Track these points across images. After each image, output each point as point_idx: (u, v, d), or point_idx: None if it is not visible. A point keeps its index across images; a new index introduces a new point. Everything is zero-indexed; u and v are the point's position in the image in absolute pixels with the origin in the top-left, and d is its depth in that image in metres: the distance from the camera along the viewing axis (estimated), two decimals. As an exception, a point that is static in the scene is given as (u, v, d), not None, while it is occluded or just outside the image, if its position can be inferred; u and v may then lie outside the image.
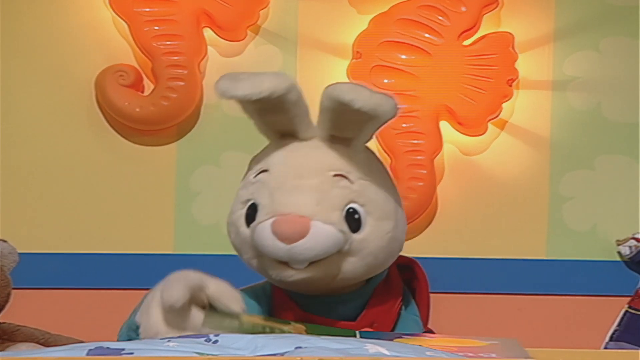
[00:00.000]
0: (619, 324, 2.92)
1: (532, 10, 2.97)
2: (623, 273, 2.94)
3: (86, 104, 2.98)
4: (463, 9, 2.90)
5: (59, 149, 2.98)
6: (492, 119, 2.93)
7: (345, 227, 1.63)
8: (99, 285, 2.97)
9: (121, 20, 2.93)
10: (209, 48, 2.97)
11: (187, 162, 3.00)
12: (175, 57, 2.90)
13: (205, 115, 2.99)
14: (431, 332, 1.84)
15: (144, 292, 2.99)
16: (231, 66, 2.98)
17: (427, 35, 2.89)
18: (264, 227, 1.61)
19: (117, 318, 2.98)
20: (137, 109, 2.91)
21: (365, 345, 1.37)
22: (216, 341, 1.42)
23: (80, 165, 2.98)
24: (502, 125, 2.97)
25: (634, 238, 2.94)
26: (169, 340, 1.43)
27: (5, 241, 2.34)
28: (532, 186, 2.98)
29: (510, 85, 2.92)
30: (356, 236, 1.64)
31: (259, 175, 1.68)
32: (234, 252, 3.00)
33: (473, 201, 2.98)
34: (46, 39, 2.98)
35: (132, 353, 1.34)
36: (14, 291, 2.37)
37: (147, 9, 2.90)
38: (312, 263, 1.61)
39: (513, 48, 2.92)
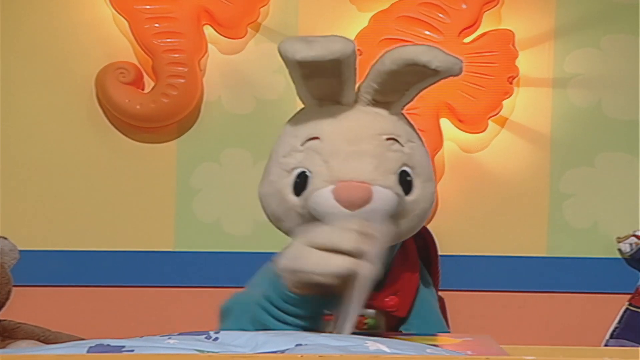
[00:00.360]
0: (619, 322, 2.92)
1: (533, 8, 2.97)
2: (623, 270, 2.94)
3: (86, 101, 2.98)
4: (463, 6, 2.89)
5: (59, 146, 2.98)
6: (493, 116, 2.93)
7: (400, 190, 1.65)
8: (100, 282, 2.98)
9: (121, 18, 2.93)
10: (210, 45, 2.97)
11: (187, 160, 3.00)
12: (176, 55, 2.90)
13: (206, 113, 2.99)
14: (442, 300, 1.89)
15: (144, 289, 3.02)
16: (231, 64, 2.99)
17: (427, 32, 2.89)
18: (323, 194, 1.61)
19: (118, 315, 3.00)
20: (138, 106, 2.92)
21: (366, 343, 1.37)
22: (216, 338, 1.42)
23: (80, 162, 2.99)
24: (502, 123, 2.97)
25: (634, 235, 2.94)
26: (169, 338, 1.43)
27: (5, 238, 2.34)
28: (533, 183, 2.98)
29: (511, 83, 2.92)
30: (408, 198, 1.66)
31: (308, 143, 1.67)
32: (234, 249, 3.02)
33: (473, 198, 2.98)
34: (47, 36, 2.98)
35: (132, 350, 1.34)
36: (14, 288, 2.38)
37: (148, 7, 2.90)
38: None
39: (513, 45, 2.92)
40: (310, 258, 1.55)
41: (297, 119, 1.74)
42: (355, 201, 1.59)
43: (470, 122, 2.93)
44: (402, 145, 1.67)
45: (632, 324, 2.90)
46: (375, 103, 1.69)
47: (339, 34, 2.98)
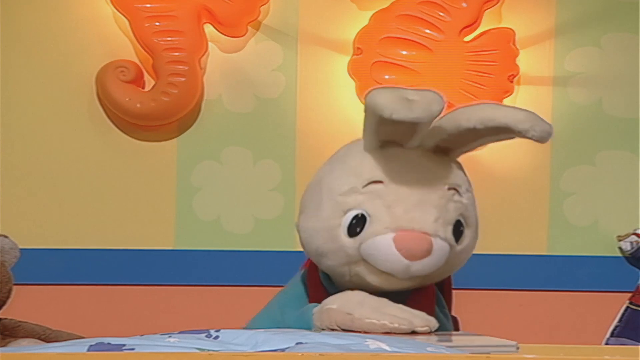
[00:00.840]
0: (619, 320, 2.92)
1: (533, 6, 2.97)
2: (624, 269, 2.94)
3: (87, 99, 2.98)
4: (464, 4, 2.89)
5: (59, 144, 2.98)
6: (491, 116, 2.93)
7: (453, 240, 1.66)
8: (100, 281, 2.97)
9: (122, 16, 2.93)
10: (210, 44, 2.96)
11: (187, 158, 2.99)
12: (176, 53, 2.90)
13: (206, 111, 2.99)
14: (455, 319, 1.91)
15: (145, 287, 3.02)
16: (232, 62, 2.98)
17: (427, 31, 2.89)
18: (385, 241, 1.61)
19: (118, 314, 3.00)
20: (138, 105, 2.91)
21: (366, 341, 1.37)
22: (217, 337, 1.42)
23: (80, 160, 2.98)
24: (503, 121, 2.97)
25: (635, 234, 2.94)
26: (169, 336, 1.43)
27: (6, 237, 2.34)
28: (533, 182, 2.98)
29: (511, 81, 2.92)
30: (457, 248, 1.67)
31: (370, 186, 1.65)
32: (234, 248, 3.01)
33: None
34: (47, 34, 2.98)
35: (133, 349, 1.34)
36: (15, 287, 2.37)
37: (148, 5, 2.90)
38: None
39: (514, 44, 2.92)
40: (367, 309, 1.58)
41: (357, 156, 1.69)
42: (416, 253, 1.59)
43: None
44: (461, 195, 1.67)
45: (633, 322, 2.90)
46: (438, 149, 1.68)
47: (340, 33, 3.00)
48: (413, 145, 1.67)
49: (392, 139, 1.66)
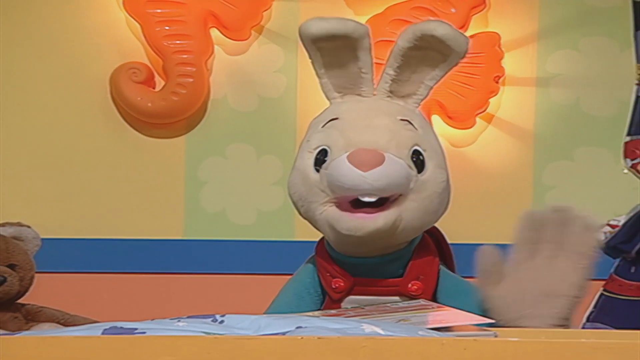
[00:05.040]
0: (594, 306, 2.91)
1: (517, 12, 2.97)
2: (599, 258, 2.93)
3: (101, 99, 2.97)
4: (453, 10, 2.89)
5: (76, 141, 2.98)
6: (480, 113, 2.93)
7: (412, 165, 1.64)
8: (114, 269, 2.97)
9: (134, 21, 2.93)
10: (216, 47, 2.96)
11: (195, 154, 2.99)
12: (184, 56, 2.89)
13: (212, 110, 2.98)
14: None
15: (156, 275, 3.01)
16: (236, 64, 2.98)
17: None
18: (340, 159, 1.60)
19: (131, 300, 2.99)
20: (149, 104, 2.91)
21: (362, 325, 1.36)
22: (222, 321, 1.41)
23: (96, 156, 2.98)
24: (489, 119, 2.97)
25: (609, 225, 2.93)
26: (178, 321, 1.42)
27: (28, 227, 2.33)
28: (517, 176, 2.97)
29: (497, 82, 2.91)
30: (420, 176, 1.65)
31: (329, 123, 1.67)
32: (239, 238, 3.01)
33: (461, 190, 2.96)
34: (64, 38, 2.97)
35: (144, 332, 1.34)
36: (35, 274, 2.37)
37: (159, 10, 2.90)
38: (383, 204, 1.60)
39: (499, 47, 2.91)
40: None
41: (322, 113, 1.74)
42: (367, 161, 1.57)
43: (459, 119, 2.93)
44: (415, 128, 1.67)
45: (606, 308, 2.89)
46: (393, 95, 1.69)
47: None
48: (369, 93, 1.69)
49: (347, 88, 1.70)
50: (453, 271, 1.83)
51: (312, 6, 2.97)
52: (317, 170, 1.65)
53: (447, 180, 1.73)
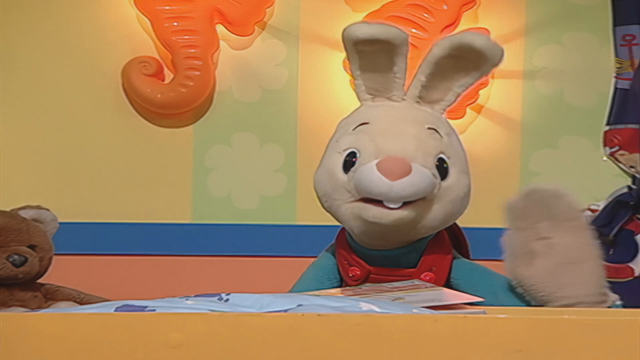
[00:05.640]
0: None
1: (506, 9, 2.96)
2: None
3: (114, 91, 2.97)
4: (445, 7, 2.88)
5: (90, 131, 2.98)
6: (470, 104, 2.92)
7: (436, 173, 1.63)
8: (126, 251, 2.97)
9: (144, 17, 2.92)
10: (221, 42, 2.95)
11: (202, 142, 2.99)
12: (192, 50, 2.89)
13: (218, 101, 2.98)
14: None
15: (166, 257, 3.01)
16: (240, 58, 2.98)
17: (414, 30, 2.87)
18: (369, 166, 1.59)
19: (142, 279, 2.99)
20: (159, 95, 2.90)
21: (359, 304, 1.36)
22: (227, 300, 1.41)
23: (109, 145, 2.98)
24: (479, 110, 2.96)
25: (589, 209, 2.93)
26: (186, 299, 1.42)
27: (47, 210, 2.32)
28: (505, 163, 2.97)
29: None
30: (443, 183, 1.64)
31: (359, 127, 1.66)
32: (243, 222, 3.01)
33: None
34: (79, 34, 2.97)
35: (154, 309, 1.34)
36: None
37: (167, 7, 2.89)
38: (405, 204, 1.60)
39: (488, 42, 2.90)
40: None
41: (351, 114, 1.73)
42: (396, 171, 1.57)
43: (451, 110, 2.91)
44: (441, 136, 1.66)
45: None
46: (421, 101, 1.68)
47: (336, 33, 2.97)
48: (399, 98, 1.68)
49: (379, 91, 1.68)
50: (467, 255, 1.83)
51: (313, 4, 2.97)
52: (345, 172, 1.65)
53: (469, 185, 1.73)
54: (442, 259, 1.71)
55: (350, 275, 1.70)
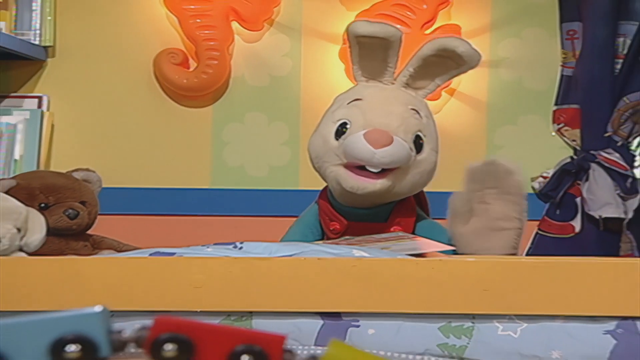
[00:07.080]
0: (532, 243, 2.92)
1: (474, 7, 2.95)
2: (535, 203, 2.93)
3: (147, 77, 2.96)
4: (424, 6, 2.86)
5: (127, 111, 2.97)
6: (444, 88, 2.91)
7: (413, 147, 1.64)
8: (154, 211, 2.97)
9: (172, 15, 2.91)
10: (236, 36, 2.94)
11: (220, 120, 2.98)
12: (211, 43, 2.87)
13: (233, 86, 2.97)
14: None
15: (188, 217, 3.01)
16: (252, 49, 2.97)
17: (398, 26, 2.84)
18: (357, 135, 1.60)
19: (168, 236, 2.99)
20: (184, 81, 2.90)
21: (353, 251, 1.36)
22: (241, 247, 1.42)
23: (142, 123, 2.98)
24: (451, 93, 2.96)
25: (542, 176, 2.94)
26: (207, 247, 1.43)
27: (94, 172, 2.32)
28: (474, 138, 2.96)
29: (458, 64, 2.90)
30: (417, 157, 1.65)
31: (353, 102, 1.67)
32: (254, 187, 3.01)
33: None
34: (117, 30, 2.96)
35: (181, 255, 1.34)
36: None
37: (192, 7, 2.88)
38: (384, 171, 1.60)
39: (460, 36, 2.89)
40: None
41: (348, 90, 1.73)
42: (379, 140, 1.57)
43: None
44: (421, 117, 1.66)
45: (540, 245, 2.90)
46: (408, 86, 1.69)
47: (332, 28, 2.97)
48: (389, 82, 1.69)
49: (373, 75, 1.69)
50: (427, 214, 1.85)
51: (313, 4, 2.96)
52: (337, 138, 1.65)
53: (436, 162, 1.73)
54: (407, 215, 1.73)
55: (331, 228, 1.71)
